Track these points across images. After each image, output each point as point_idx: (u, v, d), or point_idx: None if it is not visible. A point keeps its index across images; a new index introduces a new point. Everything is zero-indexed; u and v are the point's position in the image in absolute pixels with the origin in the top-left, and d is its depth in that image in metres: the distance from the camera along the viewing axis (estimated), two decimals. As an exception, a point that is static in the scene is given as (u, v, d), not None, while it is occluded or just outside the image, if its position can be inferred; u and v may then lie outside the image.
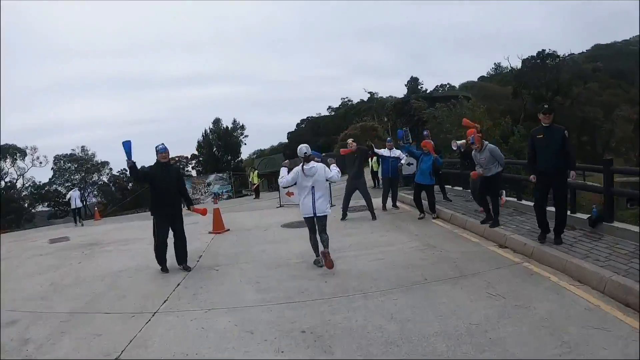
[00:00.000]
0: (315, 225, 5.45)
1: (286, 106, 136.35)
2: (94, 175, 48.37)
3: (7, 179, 44.05)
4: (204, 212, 6.58)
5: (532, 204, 7.90)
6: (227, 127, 58.90)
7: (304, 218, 5.49)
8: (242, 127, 60.60)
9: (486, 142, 6.98)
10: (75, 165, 47.09)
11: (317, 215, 5.34)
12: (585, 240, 5.68)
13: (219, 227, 9.30)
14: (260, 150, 78.81)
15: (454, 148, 8.84)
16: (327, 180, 5.43)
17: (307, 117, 77.07)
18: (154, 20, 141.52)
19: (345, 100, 74.03)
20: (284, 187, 7.22)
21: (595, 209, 6.18)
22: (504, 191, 7.77)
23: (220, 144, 56.72)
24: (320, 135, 59.98)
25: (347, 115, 61.06)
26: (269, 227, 9.28)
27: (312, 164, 5.34)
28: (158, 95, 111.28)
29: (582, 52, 63.47)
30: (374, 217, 8.94)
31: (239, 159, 59.42)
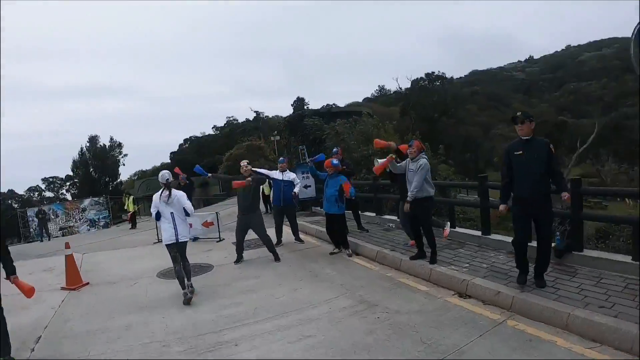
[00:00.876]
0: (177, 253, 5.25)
1: (169, 124, 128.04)
2: None
3: None
4: (28, 294, 3.95)
5: (469, 231, 6.78)
6: (104, 145, 51.90)
7: (166, 245, 5.23)
8: (120, 146, 53.90)
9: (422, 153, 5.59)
10: None
11: (180, 241, 5.21)
12: (563, 278, 4.41)
13: (74, 280, 6.40)
14: (142, 171, 71.44)
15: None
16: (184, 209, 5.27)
17: (191, 137, 71.91)
18: (30, 23, 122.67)
19: (231, 119, 70.25)
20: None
21: (559, 237, 4.99)
22: (448, 222, 6.32)
23: (97, 164, 49.55)
24: (205, 154, 56.51)
25: (232, 134, 58.27)
26: (140, 278, 6.59)
27: (173, 191, 5.25)
28: (30, 107, 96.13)
29: (461, 77, 70.67)
30: (276, 259, 6.85)
31: (118, 180, 52.61)
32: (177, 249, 5.21)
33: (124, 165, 52.51)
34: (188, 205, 5.26)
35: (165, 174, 5.25)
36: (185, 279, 5.20)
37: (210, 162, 46.59)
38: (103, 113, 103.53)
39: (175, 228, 5.14)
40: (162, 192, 5.16)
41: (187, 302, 4.96)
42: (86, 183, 49.01)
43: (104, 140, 51.19)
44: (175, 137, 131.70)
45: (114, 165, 50.77)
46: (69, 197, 54.71)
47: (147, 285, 6.13)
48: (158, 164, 70.80)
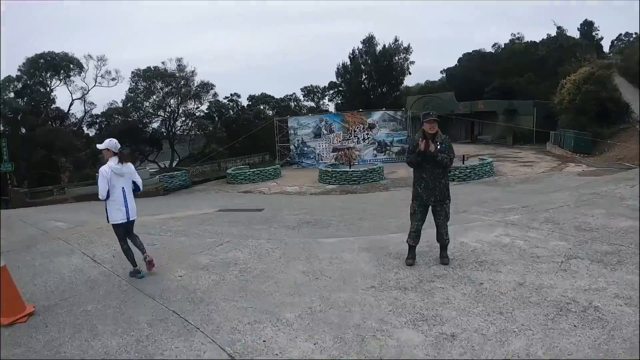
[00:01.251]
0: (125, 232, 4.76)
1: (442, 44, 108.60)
2: (189, 101, 33.86)
3: (54, 105, 32.22)
4: None
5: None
6: (384, 46, 39.67)
7: (115, 225, 4.63)
8: (407, 50, 40.56)
9: None
10: (162, 85, 32.91)
11: (131, 219, 4.70)
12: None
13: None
14: (419, 84, 57.32)
15: None
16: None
17: (473, 51, 51.97)
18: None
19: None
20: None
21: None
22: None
23: (376, 68, 38.01)
24: (490, 73, 37.11)
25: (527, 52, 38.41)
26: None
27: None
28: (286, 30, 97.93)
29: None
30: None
31: (399, 92, 40.14)
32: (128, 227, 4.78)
33: (409, 74, 39.64)
34: (139, 179, 4.79)
35: (114, 142, 4.62)
36: (139, 251, 4.78)
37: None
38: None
39: (126, 205, 4.67)
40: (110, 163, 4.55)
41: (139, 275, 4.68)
42: (358, 92, 38.58)
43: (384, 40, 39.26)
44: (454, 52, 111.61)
45: (398, 73, 38.35)
46: (331, 107, 46.30)
47: None
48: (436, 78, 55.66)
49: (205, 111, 36.09)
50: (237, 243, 5.81)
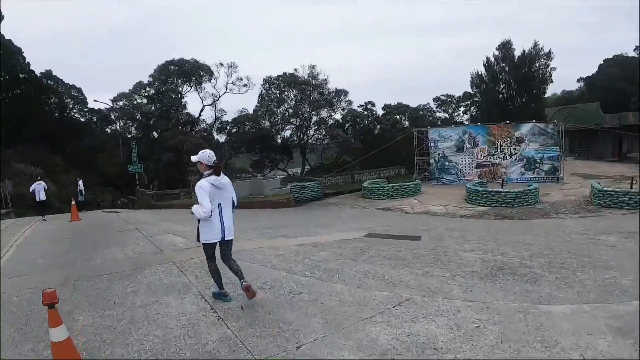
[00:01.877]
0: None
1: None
2: (321, 110, 34.22)
3: (185, 111, 34.58)
4: None
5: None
6: (524, 52, 35.80)
7: (205, 244, 4.31)
8: (549, 55, 36.10)
9: None
10: (295, 93, 33.71)
11: (227, 238, 4.33)
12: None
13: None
14: (555, 94, 50.91)
15: None
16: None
17: (614, 56, 43.38)
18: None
19: None
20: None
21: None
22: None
23: (516, 76, 34.37)
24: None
25: None
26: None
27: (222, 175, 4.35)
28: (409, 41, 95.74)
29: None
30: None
31: (540, 101, 36.10)
32: (221, 248, 4.43)
33: (552, 82, 35.20)
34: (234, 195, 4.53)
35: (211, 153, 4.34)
36: (235, 277, 4.41)
37: None
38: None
39: (222, 223, 4.30)
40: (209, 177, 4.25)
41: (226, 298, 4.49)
42: (495, 103, 35.36)
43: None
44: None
45: (539, 81, 34.25)
46: (465, 120, 43.66)
47: None
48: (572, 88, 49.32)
49: (339, 120, 36.34)
50: (422, 304, 4.43)
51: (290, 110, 34.35)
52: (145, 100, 34.07)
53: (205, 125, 35.85)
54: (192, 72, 33.86)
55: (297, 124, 34.60)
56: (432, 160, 22.25)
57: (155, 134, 32.52)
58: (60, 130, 33.54)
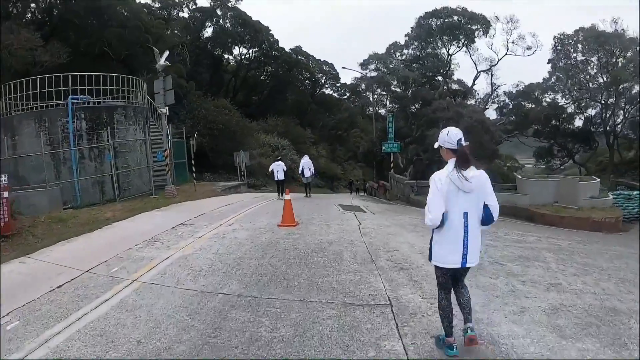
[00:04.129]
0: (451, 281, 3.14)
1: None
2: None
3: (455, 77, 26.91)
4: None
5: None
6: None
7: (439, 268, 3.06)
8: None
9: None
10: (601, 55, 22.68)
11: (468, 264, 2.98)
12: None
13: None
14: None
15: None
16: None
17: None
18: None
19: None
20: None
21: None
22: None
23: None
24: None
25: None
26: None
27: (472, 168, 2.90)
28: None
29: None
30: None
31: None
32: (459, 275, 3.14)
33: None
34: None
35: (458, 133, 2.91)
36: (462, 316, 3.13)
37: None
38: None
39: (466, 243, 2.94)
40: (453, 170, 2.90)
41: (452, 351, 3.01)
42: None
43: None
44: None
45: None
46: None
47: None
48: None
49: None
50: None
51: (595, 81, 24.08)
52: (402, 66, 29.10)
53: (478, 97, 28.95)
54: (460, 26, 26.61)
55: (604, 101, 24.01)
56: None
57: (415, 107, 27.02)
58: (310, 105, 32.98)
